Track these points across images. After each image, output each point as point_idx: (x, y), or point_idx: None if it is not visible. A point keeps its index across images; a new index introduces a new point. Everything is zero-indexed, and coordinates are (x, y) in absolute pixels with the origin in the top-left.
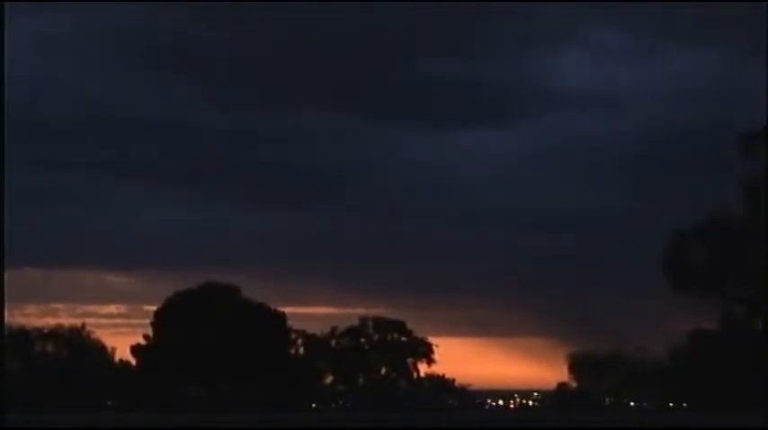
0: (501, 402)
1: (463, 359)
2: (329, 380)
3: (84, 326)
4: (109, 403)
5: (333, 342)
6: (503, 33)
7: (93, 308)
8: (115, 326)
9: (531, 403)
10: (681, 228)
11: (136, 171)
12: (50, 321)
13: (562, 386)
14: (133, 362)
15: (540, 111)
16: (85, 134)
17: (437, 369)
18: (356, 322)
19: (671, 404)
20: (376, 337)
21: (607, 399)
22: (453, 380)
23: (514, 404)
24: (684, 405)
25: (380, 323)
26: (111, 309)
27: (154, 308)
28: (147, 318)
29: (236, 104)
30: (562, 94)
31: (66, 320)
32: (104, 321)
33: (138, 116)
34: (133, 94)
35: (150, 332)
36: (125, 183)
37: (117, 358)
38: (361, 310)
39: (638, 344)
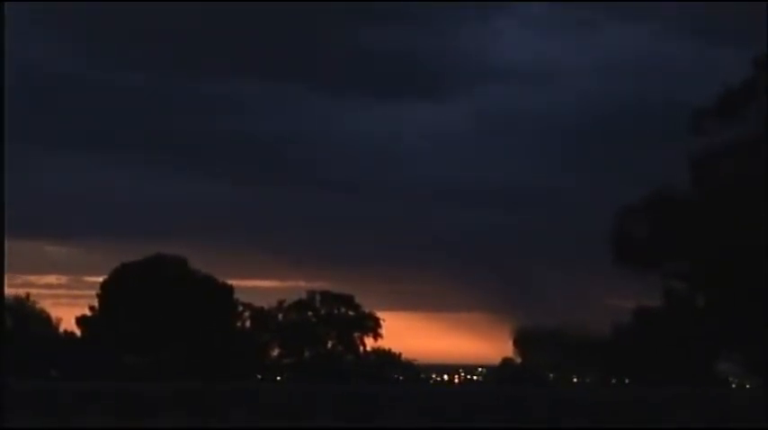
0: (446, 377)
1: (408, 333)
2: (276, 353)
3: (28, 296)
4: (53, 373)
5: (280, 315)
6: (443, 5)
7: (32, 278)
8: (56, 296)
9: (475, 378)
10: (624, 203)
11: (75, 138)
12: None
13: (507, 361)
14: (78, 332)
15: (481, 82)
16: (21, 100)
17: (383, 343)
18: (304, 296)
19: (613, 380)
20: (323, 311)
21: (551, 375)
22: (399, 355)
23: (459, 379)
24: (627, 380)
25: (328, 297)
26: (51, 279)
27: (95, 279)
28: (88, 289)
29: (178, 72)
30: (503, 66)
31: (6, 290)
32: (44, 291)
33: (78, 80)
34: (73, 58)
35: (96, 303)
36: (64, 150)
37: (62, 329)
38: (303, 284)
39: (582, 320)
